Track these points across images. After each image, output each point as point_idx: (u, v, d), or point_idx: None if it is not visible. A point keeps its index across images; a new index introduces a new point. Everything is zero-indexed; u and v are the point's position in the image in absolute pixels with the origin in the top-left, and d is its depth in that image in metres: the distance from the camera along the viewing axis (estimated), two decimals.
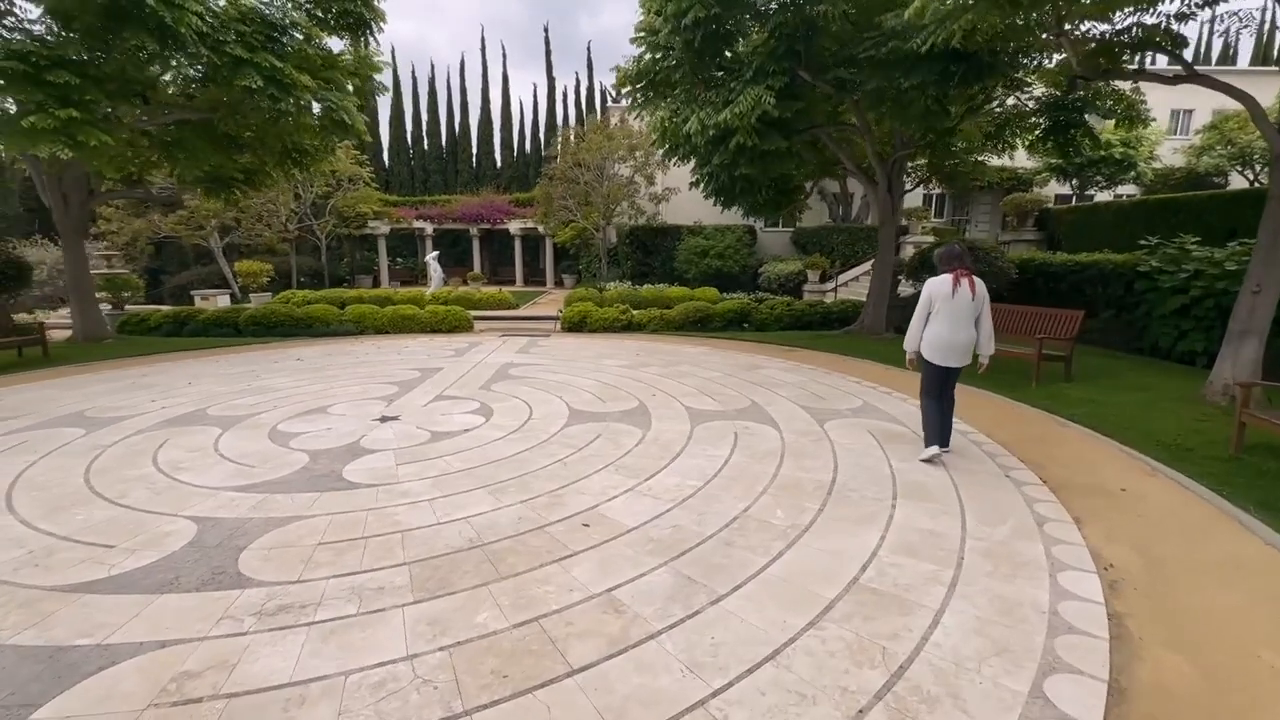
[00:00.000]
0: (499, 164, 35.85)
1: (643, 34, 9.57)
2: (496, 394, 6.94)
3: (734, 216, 13.84)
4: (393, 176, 34.94)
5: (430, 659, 2.44)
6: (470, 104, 35.94)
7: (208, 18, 7.79)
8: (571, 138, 22.19)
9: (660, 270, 20.67)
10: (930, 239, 16.73)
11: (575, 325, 12.66)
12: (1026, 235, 16.74)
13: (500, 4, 70.87)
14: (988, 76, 7.37)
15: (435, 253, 21.79)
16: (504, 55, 37.60)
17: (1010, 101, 9.55)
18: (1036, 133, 9.30)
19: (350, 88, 11.66)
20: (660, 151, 11.16)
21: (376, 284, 27.61)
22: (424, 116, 35.59)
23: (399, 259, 29.00)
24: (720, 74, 8.91)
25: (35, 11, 6.85)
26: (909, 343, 4.77)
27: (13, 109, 7.78)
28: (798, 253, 20.79)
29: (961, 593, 2.88)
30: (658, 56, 9.42)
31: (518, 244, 28.29)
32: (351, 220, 25.03)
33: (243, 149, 10.99)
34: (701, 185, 10.55)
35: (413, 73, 35.62)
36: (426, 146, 35.64)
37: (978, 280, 4.54)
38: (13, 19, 7.14)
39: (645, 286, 18.20)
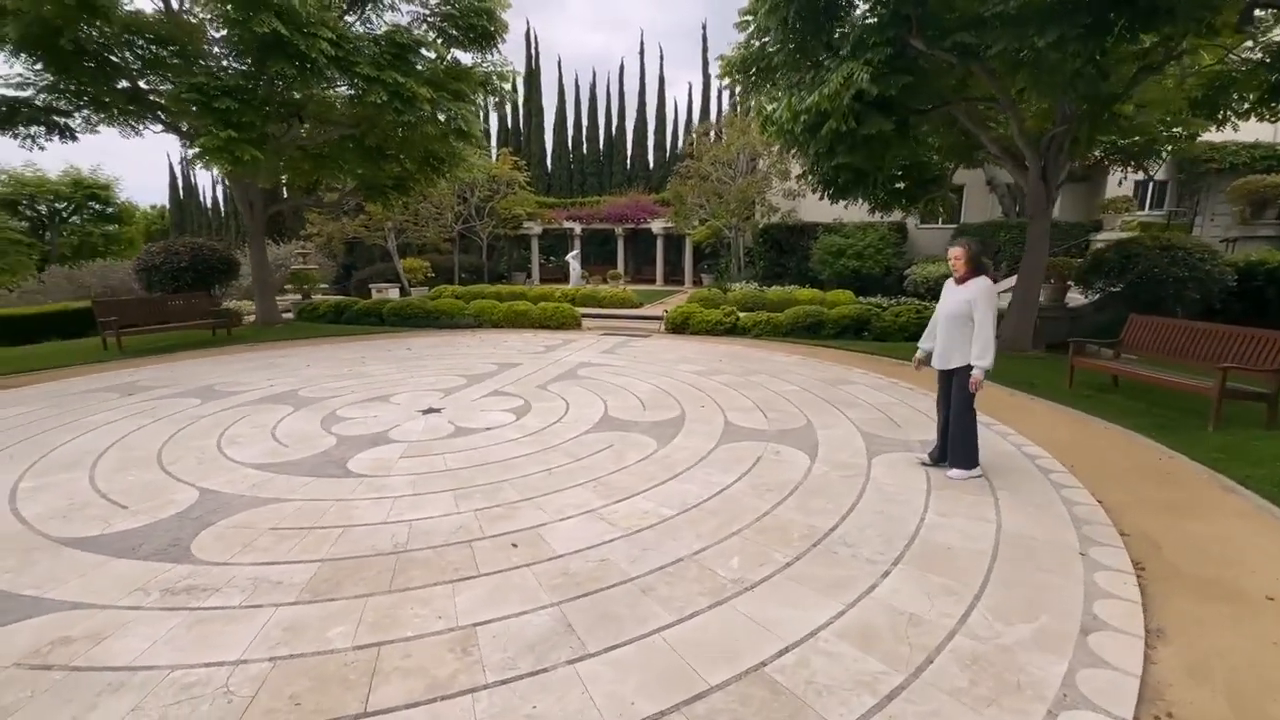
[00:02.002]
0: (651, 164, 36.54)
1: (748, 18, 8.94)
2: (547, 393, 6.92)
3: (873, 212, 12.40)
4: (554, 180, 37.31)
5: (254, 668, 2.37)
6: (627, 107, 37.11)
7: (343, 44, 8.79)
8: (711, 134, 21.75)
9: (795, 271, 19.42)
10: (1132, 234, 13.60)
11: (678, 326, 12.33)
12: (1264, 230, 12.83)
13: (681, 11, 72.19)
14: (1164, 23, 5.62)
15: (574, 251, 22.83)
16: (661, 57, 38.22)
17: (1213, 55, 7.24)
18: (1262, 90, 6.94)
19: (480, 98, 12.55)
20: (776, 145, 10.37)
21: (530, 280, 29.74)
22: (584, 121, 37.45)
23: (551, 258, 30.84)
24: (824, 55, 7.98)
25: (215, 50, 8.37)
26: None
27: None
28: None
29: (893, 716, 2.13)
30: (760, 41, 8.73)
31: (659, 243, 28.58)
32: (508, 221, 27.17)
33: (388, 158, 12.31)
34: (809, 178, 9.59)
35: (576, 80, 37.69)
36: (585, 150, 37.48)
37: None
38: (200, 64, 8.69)
39: (773, 288, 17.23)
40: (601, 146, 37.37)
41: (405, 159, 12.45)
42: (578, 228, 29.86)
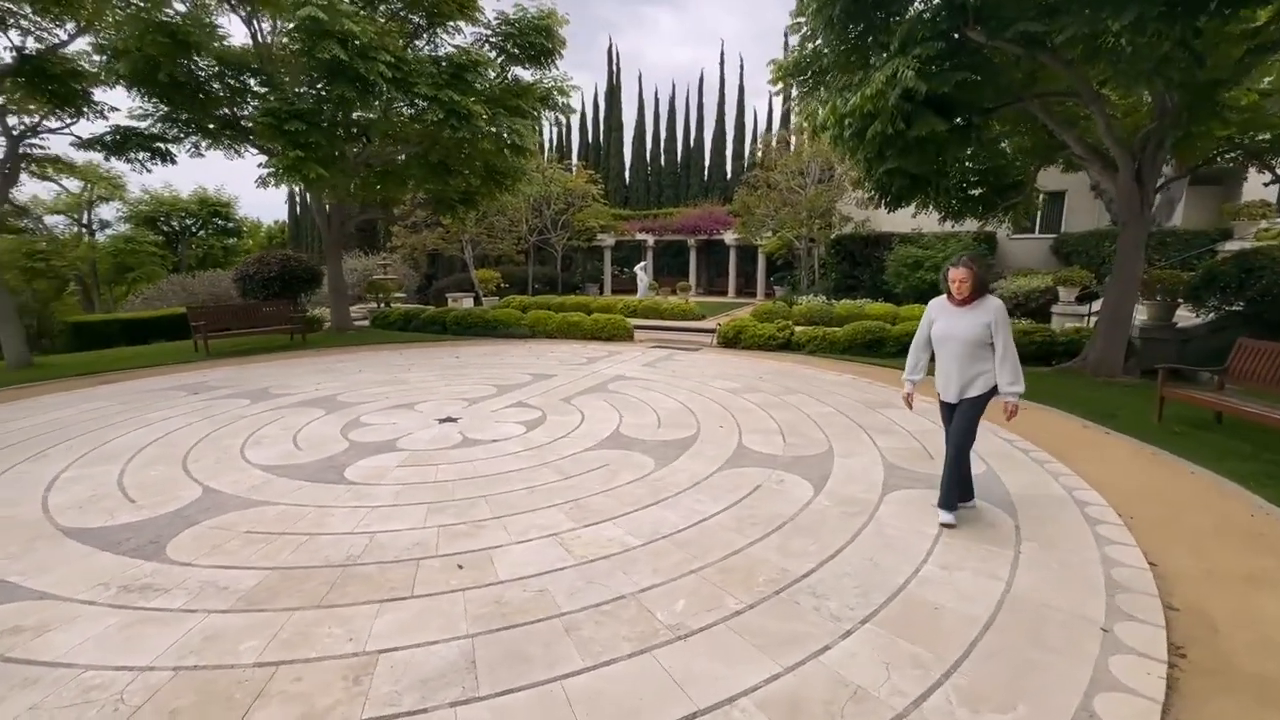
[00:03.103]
0: (729, 175, 36.11)
1: (799, 20, 8.55)
2: (568, 407, 6.83)
3: (943, 221, 11.46)
4: (631, 192, 37.74)
5: (156, 676, 2.39)
6: (706, 118, 36.92)
7: (402, 65, 9.26)
8: (776, 142, 21.13)
9: (868, 284, 18.38)
10: (1267, 244, 11.73)
11: (729, 340, 11.94)
12: None
13: (766, 18, 71.42)
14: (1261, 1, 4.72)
15: (643, 263, 22.88)
16: (741, 66, 37.53)
17: None
18: None
19: (541, 112, 12.84)
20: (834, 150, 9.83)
21: (602, 292, 30.16)
22: (663, 134, 37.65)
23: (624, 269, 31.11)
24: (874, 55, 7.45)
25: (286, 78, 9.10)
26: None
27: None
28: (1059, 264, 16.54)
29: None
30: (812, 45, 8.31)
31: (732, 255, 28.12)
32: (582, 234, 27.72)
33: (453, 174, 12.84)
34: (864, 186, 8.98)
35: (656, 94, 38.32)
36: (663, 162, 37.65)
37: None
38: (278, 91, 9.46)
39: (842, 302, 16.39)
40: (679, 158, 37.41)
41: (469, 174, 12.94)
42: (650, 239, 29.99)
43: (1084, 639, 2.62)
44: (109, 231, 21.57)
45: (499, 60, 11.50)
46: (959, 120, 7.18)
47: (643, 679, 2.37)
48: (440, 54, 10.20)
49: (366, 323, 15.22)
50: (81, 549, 3.47)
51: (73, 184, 19.82)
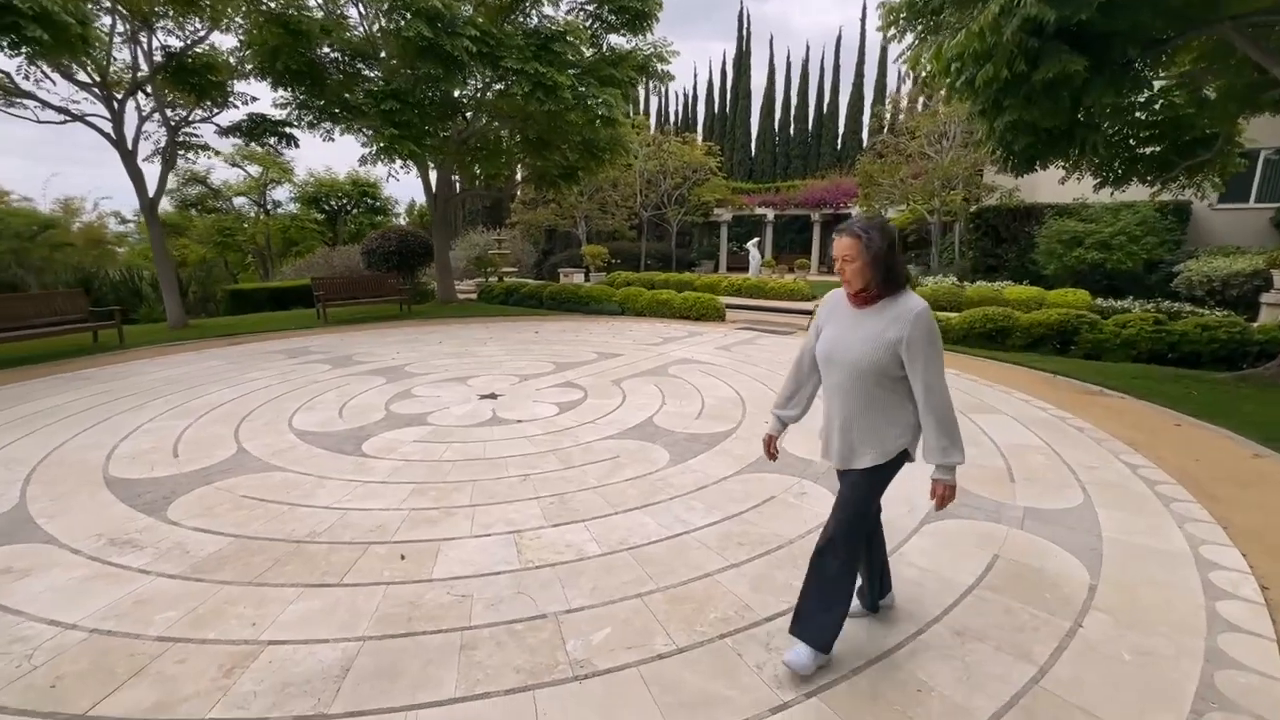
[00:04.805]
0: (865, 143, 33.14)
1: None
2: (614, 389, 6.52)
3: (1099, 189, 9.36)
4: (757, 164, 36.11)
5: (71, 637, 2.47)
6: (843, 82, 34.18)
7: (487, 39, 9.32)
8: (906, 103, 18.81)
9: (1013, 264, 15.90)
10: None
11: None
12: None
13: None
14: None
15: (755, 240, 21.77)
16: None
17: None
18: None
19: (640, 82, 12.44)
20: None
21: (717, 269, 29.34)
22: (794, 101, 35.43)
23: (740, 246, 29.97)
24: None
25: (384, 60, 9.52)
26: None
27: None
28: None
29: None
30: None
31: None
32: (698, 208, 26.99)
33: (551, 148, 12.88)
34: (986, 144, 7.53)
35: (788, 59, 35.88)
36: (793, 131, 35.50)
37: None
38: (385, 74, 9.96)
39: (976, 284, 14.35)
40: (810, 126, 35.03)
41: (567, 149, 12.91)
42: (770, 214, 28.52)
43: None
44: (280, 210, 24.76)
45: (593, 28, 11.21)
46: (1107, 56, 5.67)
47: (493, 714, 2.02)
48: (531, 25, 10.12)
49: (474, 296, 16.00)
50: (108, 499, 3.80)
51: (254, 169, 22.99)
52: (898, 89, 28.43)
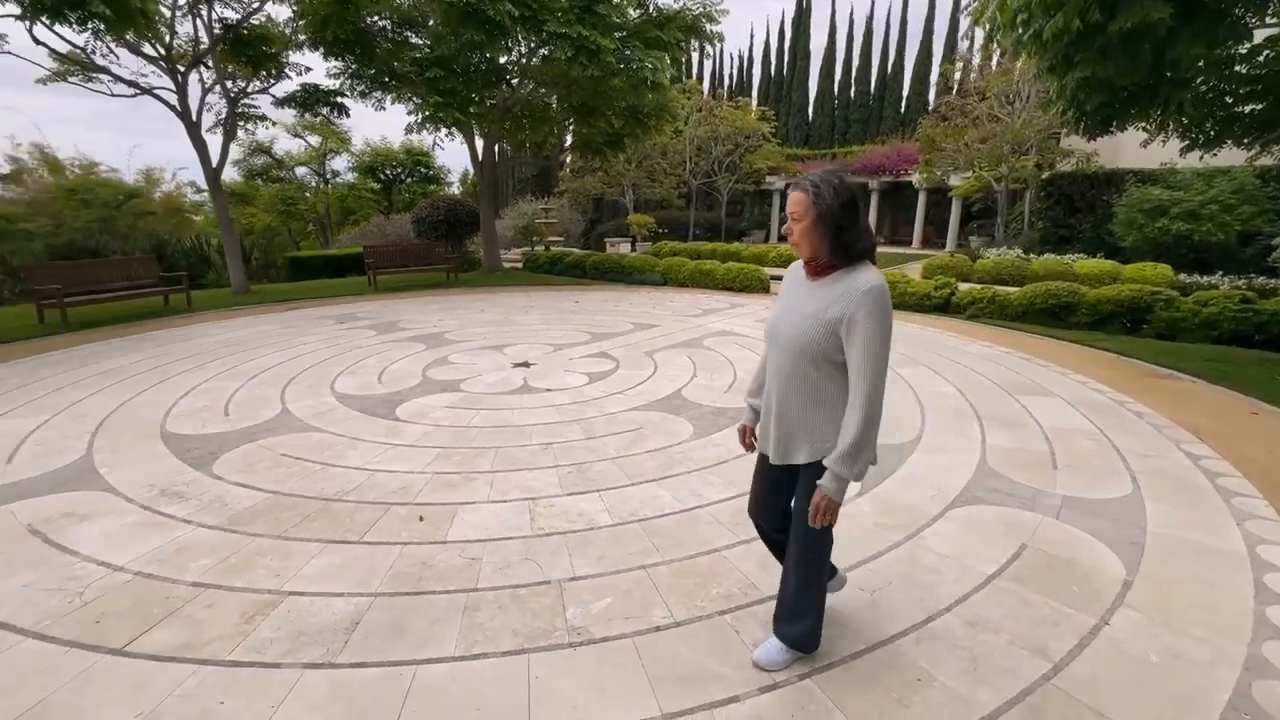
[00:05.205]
0: (932, 105, 31.22)
1: None
2: (646, 361, 6.50)
3: (1185, 152, 8.44)
4: (814, 129, 34.72)
5: (118, 578, 2.67)
6: (909, 40, 32.09)
7: (531, 4, 9.19)
8: (977, 60, 17.54)
9: (1087, 236, 14.80)
10: None
11: None
12: None
13: None
14: None
15: None
16: None
17: None
18: None
19: (688, 43, 12.05)
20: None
21: (768, 239, 28.61)
22: (855, 62, 33.64)
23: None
24: None
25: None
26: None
27: None
28: None
29: None
30: None
31: (921, 199, 24.66)
32: (749, 176, 26.22)
33: (595, 114, 12.70)
34: (1056, 104, 6.92)
35: (851, 15, 34.01)
36: (853, 93, 33.81)
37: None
38: (433, 41, 9.98)
39: (1044, 257, 13.48)
40: (872, 88, 33.23)
41: (611, 115, 12.70)
42: None
43: None
44: (338, 180, 25.57)
45: None
46: (1198, 2, 5.08)
47: (496, 685, 2.08)
48: None
49: (520, 265, 16.17)
50: (162, 452, 4.08)
51: (314, 139, 23.74)
52: (969, 45, 26.46)
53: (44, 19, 7.35)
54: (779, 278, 13.63)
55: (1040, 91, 15.31)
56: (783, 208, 29.97)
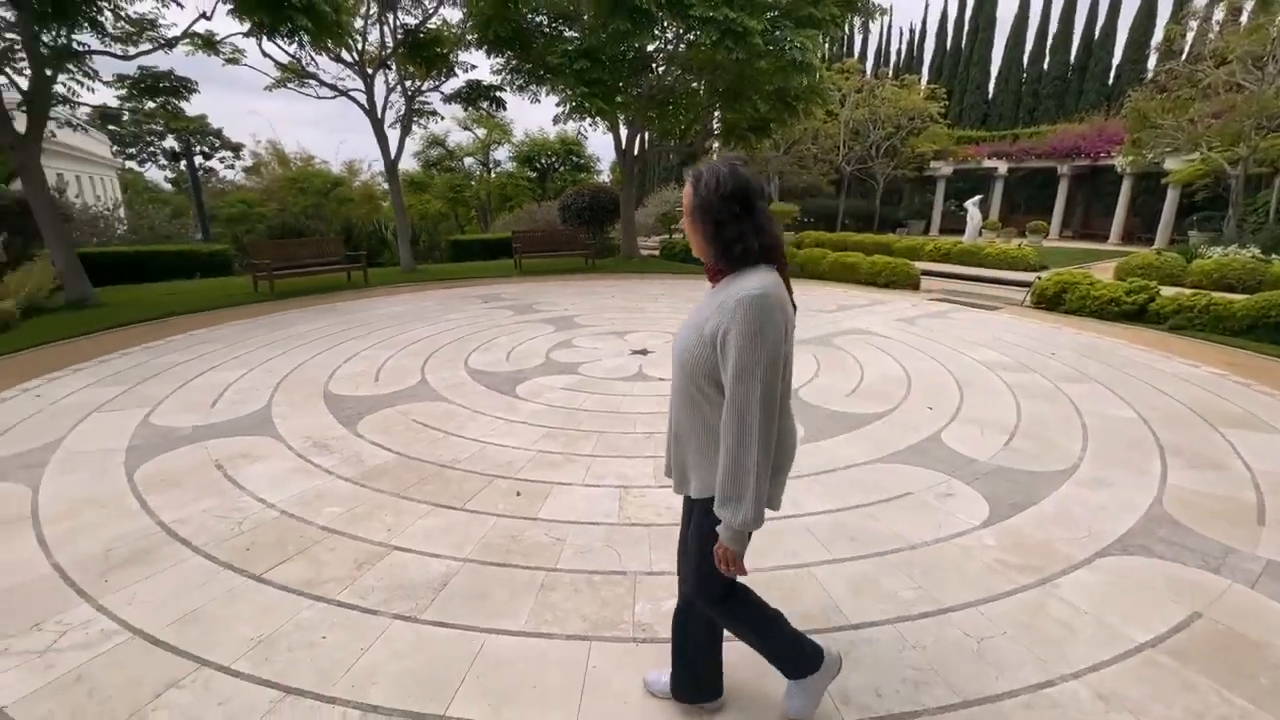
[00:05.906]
0: (1147, 75, 26.28)
1: None
2: None
3: None
4: (993, 108, 30.98)
5: (269, 514, 3.13)
6: None
7: None
8: (1219, 15, 14.43)
9: None
10: None
11: (1049, 300, 9.13)
12: None
13: None
14: None
15: (977, 198, 18.92)
16: None
17: None
18: None
19: (847, 20, 11.34)
20: None
21: (928, 230, 26.20)
22: (1052, 28, 29.33)
23: (957, 205, 26.34)
24: None
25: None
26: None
27: None
28: None
29: None
30: None
31: (1125, 186, 21.08)
32: (910, 161, 24.10)
33: (741, 99, 12.37)
34: None
35: None
36: (1046, 65, 29.61)
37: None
38: (585, 33, 10.32)
39: None
40: (1073, 57, 28.75)
41: (758, 99, 12.30)
42: (1002, 167, 24.48)
43: None
44: (499, 169, 27.64)
45: None
46: None
47: (556, 666, 2.12)
48: None
49: (657, 253, 16.36)
50: (320, 408, 4.70)
51: (481, 132, 25.86)
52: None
53: (265, 34, 8.76)
54: (936, 273, 12.54)
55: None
56: (948, 196, 27.32)
